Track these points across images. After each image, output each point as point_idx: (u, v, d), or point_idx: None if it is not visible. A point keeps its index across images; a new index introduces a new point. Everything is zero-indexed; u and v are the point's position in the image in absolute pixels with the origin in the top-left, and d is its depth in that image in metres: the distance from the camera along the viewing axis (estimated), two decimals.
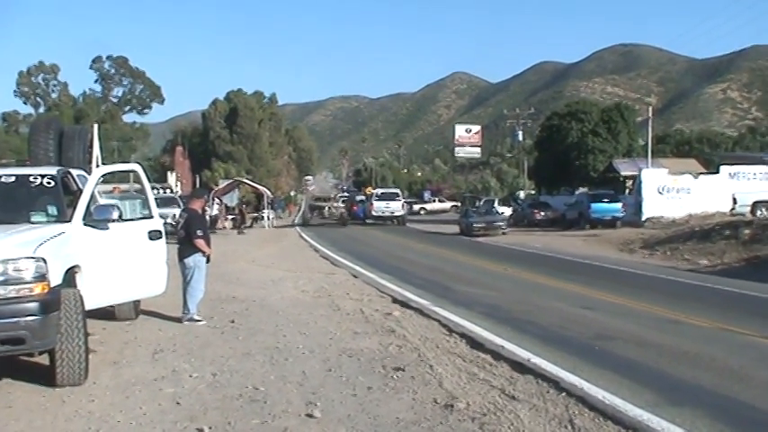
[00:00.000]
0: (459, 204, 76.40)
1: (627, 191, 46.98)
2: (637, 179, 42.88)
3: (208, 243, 11.48)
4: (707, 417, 6.49)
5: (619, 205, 40.07)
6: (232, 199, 49.69)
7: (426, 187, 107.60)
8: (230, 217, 43.55)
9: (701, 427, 6.21)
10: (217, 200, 44.73)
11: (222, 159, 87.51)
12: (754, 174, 40.02)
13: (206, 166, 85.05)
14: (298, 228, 48.97)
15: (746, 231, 24.99)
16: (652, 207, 39.11)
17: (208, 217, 26.47)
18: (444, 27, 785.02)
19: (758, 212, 30.85)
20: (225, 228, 41.39)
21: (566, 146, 58.21)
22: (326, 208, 55.58)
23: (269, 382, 7.67)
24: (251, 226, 46.69)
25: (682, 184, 40.09)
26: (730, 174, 40.45)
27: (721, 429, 6.18)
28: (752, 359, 9.03)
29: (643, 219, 38.39)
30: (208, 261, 11.58)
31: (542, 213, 47.91)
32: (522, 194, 71.11)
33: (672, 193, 39.67)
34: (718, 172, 42.08)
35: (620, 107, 62.92)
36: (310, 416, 6.50)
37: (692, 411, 6.63)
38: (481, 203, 56.95)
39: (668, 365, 8.66)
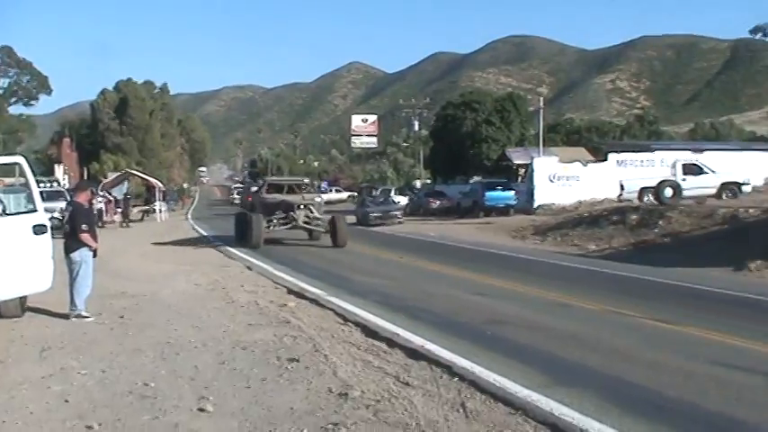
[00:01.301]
0: (355, 194, 76.57)
1: (519, 179, 47.87)
2: (529, 167, 43.81)
3: (94, 237, 11.18)
4: (594, 396, 6.70)
5: (512, 193, 40.95)
6: (121, 192, 48.41)
7: (323, 177, 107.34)
8: (119, 210, 42.42)
9: (588, 405, 6.39)
10: (105, 193, 43.59)
11: (111, 151, 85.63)
12: (641, 161, 41.23)
13: (95, 158, 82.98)
14: (191, 220, 47.95)
15: (633, 217, 25.88)
16: (543, 194, 40.03)
17: (95, 210, 25.75)
18: (340, 16, 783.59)
19: (645, 198, 31.90)
20: (114, 221, 40.33)
21: (460, 135, 58.97)
22: (300, 207, 25.26)
23: (160, 377, 7.53)
24: (142, 219, 45.66)
25: (572, 172, 41.15)
26: (618, 161, 41.62)
27: (607, 408, 6.37)
28: (637, 340, 9.37)
29: (535, 206, 39.24)
30: (95, 255, 11.29)
31: (438, 202, 48.53)
32: (418, 184, 71.74)
33: (562, 180, 40.68)
34: (606, 160, 43.20)
35: (513, 97, 64.24)
36: (202, 410, 6.41)
37: (580, 391, 6.83)
38: (378, 193, 57.26)
39: (558, 348, 8.90)
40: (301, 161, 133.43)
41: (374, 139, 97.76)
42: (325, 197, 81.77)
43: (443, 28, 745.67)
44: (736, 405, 6.49)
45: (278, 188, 27.97)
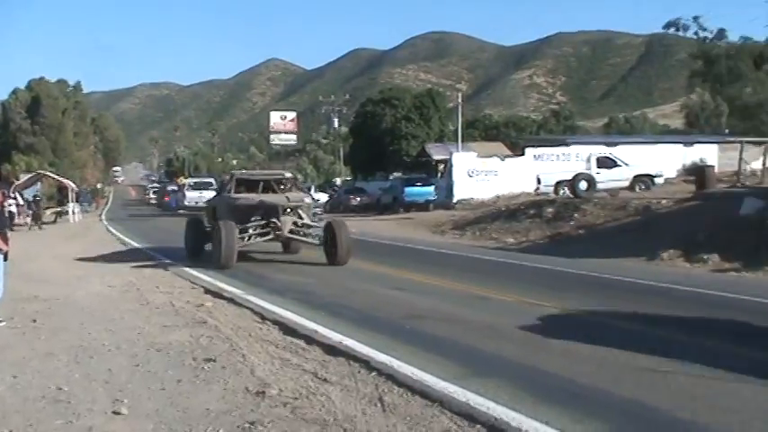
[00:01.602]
0: None
1: (439, 174, 48.27)
2: (448, 163, 44.21)
3: (5, 240, 10.86)
4: (509, 385, 6.79)
5: (431, 189, 41.39)
6: (32, 194, 47.08)
7: None
8: (31, 212, 41.27)
9: (502, 395, 6.47)
10: (17, 194, 42.37)
11: (23, 152, 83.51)
12: (557, 155, 42.04)
13: (6, 159, 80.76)
14: (105, 221, 46.85)
15: (549, 210, 26.42)
16: (462, 189, 40.42)
17: (7, 212, 24.96)
18: (257, 12, 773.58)
19: (560, 192, 32.61)
20: (27, 224, 39.26)
21: (380, 132, 59.37)
22: (286, 212, 18.27)
23: (73, 381, 7.36)
24: (55, 221, 44.56)
25: (490, 167, 41.69)
26: (535, 156, 42.29)
27: (522, 396, 6.46)
28: (552, 329, 9.51)
29: (454, 201, 39.64)
30: (5, 258, 10.96)
31: (358, 199, 48.81)
32: (338, 181, 71.85)
33: (481, 175, 41.14)
34: (523, 154, 43.93)
35: (432, 93, 65.04)
36: (117, 413, 6.29)
37: (496, 381, 6.93)
38: None
39: (475, 340, 9.00)
40: (219, 159, 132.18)
41: (293, 137, 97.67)
42: None
43: (362, 24, 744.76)
44: (649, 391, 6.65)
45: (251, 186, 19.85)
